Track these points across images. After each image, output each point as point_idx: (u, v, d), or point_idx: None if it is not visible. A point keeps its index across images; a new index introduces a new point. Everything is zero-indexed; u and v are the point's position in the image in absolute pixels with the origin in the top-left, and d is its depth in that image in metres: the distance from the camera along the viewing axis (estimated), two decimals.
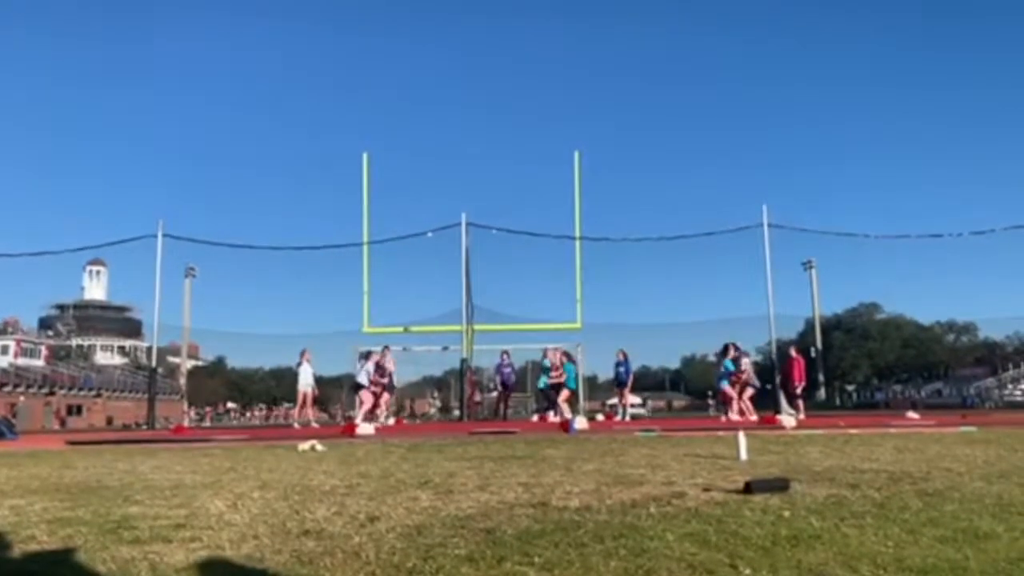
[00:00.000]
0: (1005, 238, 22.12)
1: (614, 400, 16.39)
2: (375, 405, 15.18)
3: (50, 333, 73.42)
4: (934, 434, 8.33)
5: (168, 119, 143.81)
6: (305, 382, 16.14)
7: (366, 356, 15.83)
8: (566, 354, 16.33)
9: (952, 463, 4.87)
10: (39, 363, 61.72)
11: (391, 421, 19.22)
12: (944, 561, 2.20)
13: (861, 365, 62.14)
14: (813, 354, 23.95)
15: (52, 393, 56.24)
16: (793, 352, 16.76)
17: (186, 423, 15.71)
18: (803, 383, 16.22)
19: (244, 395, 70.63)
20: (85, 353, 74.12)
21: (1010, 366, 53.17)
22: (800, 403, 15.86)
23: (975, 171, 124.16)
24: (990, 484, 3.80)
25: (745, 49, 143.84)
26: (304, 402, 16.27)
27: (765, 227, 20.17)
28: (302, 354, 16.61)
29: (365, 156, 22.93)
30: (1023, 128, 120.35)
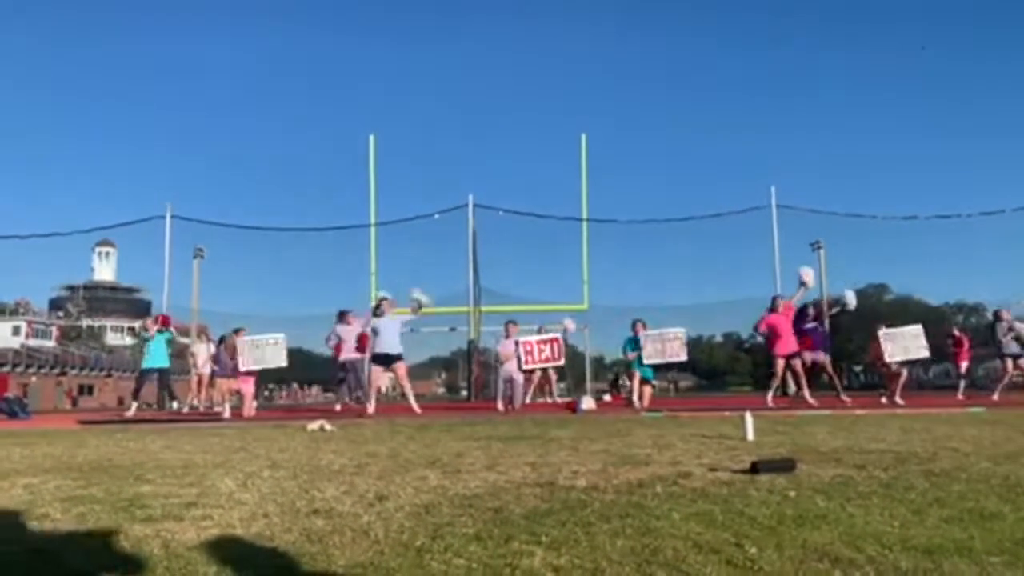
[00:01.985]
0: (1015, 219, 21.86)
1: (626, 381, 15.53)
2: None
3: (60, 314, 73.89)
4: (941, 415, 8.32)
5: (177, 102, 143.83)
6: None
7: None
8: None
9: (959, 443, 4.86)
10: (50, 344, 62.22)
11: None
12: (950, 541, 2.20)
13: (869, 346, 61.94)
14: None
15: (63, 373, 56.71)
16: (956, 331, 16.70)
17: (194, 403, 15.41)
18: (967, 362, 16.08)
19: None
20: (96, 334, 74.62)
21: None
22: (962, 383, 15.41)
23: (985, 151, 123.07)
24: (997, 465, 3.80)
25: (754, 30, 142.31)
26: None
27: (773, 208, 20.03)
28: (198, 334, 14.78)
29: (372, 138, 22.88)
30: None
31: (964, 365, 15.94)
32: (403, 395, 11.05)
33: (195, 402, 15.07)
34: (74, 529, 2.63)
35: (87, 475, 4.06)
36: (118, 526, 2.62)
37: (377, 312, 10.88)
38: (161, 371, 13.16)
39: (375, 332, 10.75)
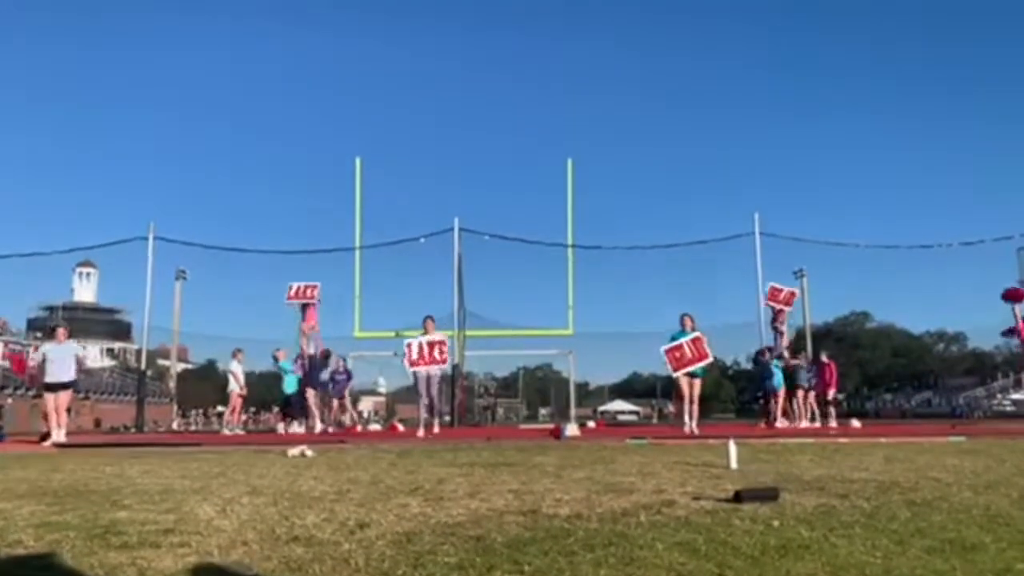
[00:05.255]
0: (994, 249, 22.33)
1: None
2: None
3: (39, 335, 72.87)
4: (923, 444, 8.37)
5: (161, 122, 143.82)
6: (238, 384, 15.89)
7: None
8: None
9: (941, 473, 4.89)
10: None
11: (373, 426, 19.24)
12: (931, 572, 2.21)
13: (851, 374, 62.33)
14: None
15: (40, 395, 55.80)
16: (824, 357, 16.55)
17: (175, 426, 15.42)
18: (835, 389, 16.32)
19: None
20: None
21: (999, 376, 53.37)
22: (832, 410, 15.82)
23: (965, 183, 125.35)
24: (978, 495, 3.82)
25: (737, 60, 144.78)
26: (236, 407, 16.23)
27: (757, 236, 20.26)
28: (235, 354, 16.12)
29: (358, 161, 22.95)
30: (1011, 140, 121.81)
31: (831, 392, 16.10)
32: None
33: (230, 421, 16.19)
34: (47, 557, 2.57)
35: (62, 500, 3.99)
36: (93, 553, 2.57)
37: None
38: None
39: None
